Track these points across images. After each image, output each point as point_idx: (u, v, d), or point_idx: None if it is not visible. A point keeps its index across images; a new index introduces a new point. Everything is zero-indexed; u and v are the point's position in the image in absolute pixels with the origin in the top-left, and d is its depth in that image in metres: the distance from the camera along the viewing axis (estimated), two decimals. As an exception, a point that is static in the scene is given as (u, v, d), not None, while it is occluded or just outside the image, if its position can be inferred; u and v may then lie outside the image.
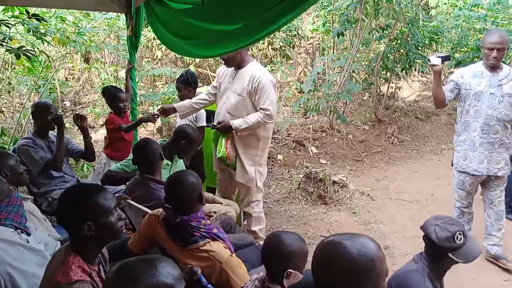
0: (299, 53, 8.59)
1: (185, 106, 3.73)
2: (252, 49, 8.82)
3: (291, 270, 1.82)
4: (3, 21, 3.23)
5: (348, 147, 6.52)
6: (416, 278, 2.06)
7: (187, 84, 4.05)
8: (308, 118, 6.62)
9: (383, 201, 5.00)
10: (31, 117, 5.49)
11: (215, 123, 3.45)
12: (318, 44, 8.65)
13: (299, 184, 4.99)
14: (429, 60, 3.32)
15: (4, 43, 3.35)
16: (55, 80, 6.94)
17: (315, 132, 6.54)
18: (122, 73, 7.51)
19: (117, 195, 2.69)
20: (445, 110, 8.36)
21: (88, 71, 7.21)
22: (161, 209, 2.17)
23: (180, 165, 3.33)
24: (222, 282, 1.98)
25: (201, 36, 2.88)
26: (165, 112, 3.75)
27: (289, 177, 5.60)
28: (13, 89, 6.18)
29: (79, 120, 3.37)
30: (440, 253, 2.08)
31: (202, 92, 3.95)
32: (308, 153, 6.23)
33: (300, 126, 6.61)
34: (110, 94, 3.90)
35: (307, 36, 8.72)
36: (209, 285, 1.81)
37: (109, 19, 5.98)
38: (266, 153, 3.65)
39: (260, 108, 3.31)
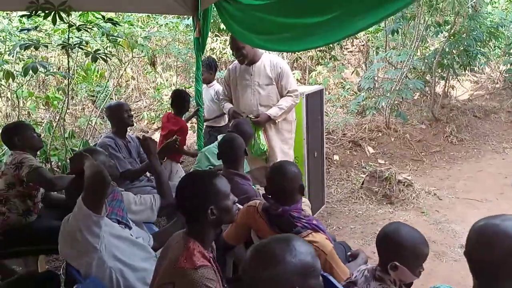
0: (350, 52, 8.47)
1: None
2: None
3: (396, 263, 1.76)
4: (82, 26, 3.34)
5: (406, 146, 6.36)
6: None
7: (209, 68, 4.51)
8: (364, 118, 6.52)
9: (451, 201, 4.82)
10: (93, 122, 5.74)
11: (252, 117, 3.51)
12: (367, 42, 8.53)
13: (362, 184, 4.90)
14: None
15: (82, 47, 3.46)
16: (108, 87, 7.18)
17: (371, 132, 6.41)
18: (174, 79, 7.68)
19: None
20: (504, 108, 8.04)
21: (146, 76, 7.39)
22: (258, 200, 2.16)
23: None
24: (326, 274, 1.94)
25: (278, 31, 2.87)
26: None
27: (348, 177, 5.52)
28: (76, 95, 6.41)
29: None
30: None
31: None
32: (365, 153, 6.11)
33: (355, 126, 6.50)
34: (182, 97, 3.98)
35: (356, 35, 8.62)
36: (325, 273, 1.77)
37: (169, 23, 6.10)
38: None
39: (288, 91, 3.55)
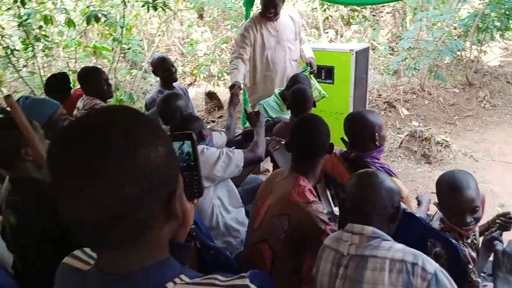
0: (387, 13, 8.33)
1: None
2: (330, 8, 8.66)
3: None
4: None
5: (440, 110, 6.38)
6: None
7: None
8: (399, 80, 6.52)
9: (487, 163, 4.91)
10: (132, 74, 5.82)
11: (313, 70, 3.53)
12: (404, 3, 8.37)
13: (401, 143, 4.98)
14: None
15: (141, -4, 3.49)
16: (137, 41, 7.21)
17: (405, 93, 6.43)
18: (208, 34, 7.65)
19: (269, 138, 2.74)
20: (539, 76, 7.95)
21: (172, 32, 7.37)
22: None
23: None
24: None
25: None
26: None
27: (383, 137, 5.60)
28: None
29: None
30: None
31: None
32: (399, 114, 6.16)
33: (390, 87, 6.51)
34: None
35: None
36: (411, 211, 1.89)
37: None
38: None
39: (302, 39, 3.72)
